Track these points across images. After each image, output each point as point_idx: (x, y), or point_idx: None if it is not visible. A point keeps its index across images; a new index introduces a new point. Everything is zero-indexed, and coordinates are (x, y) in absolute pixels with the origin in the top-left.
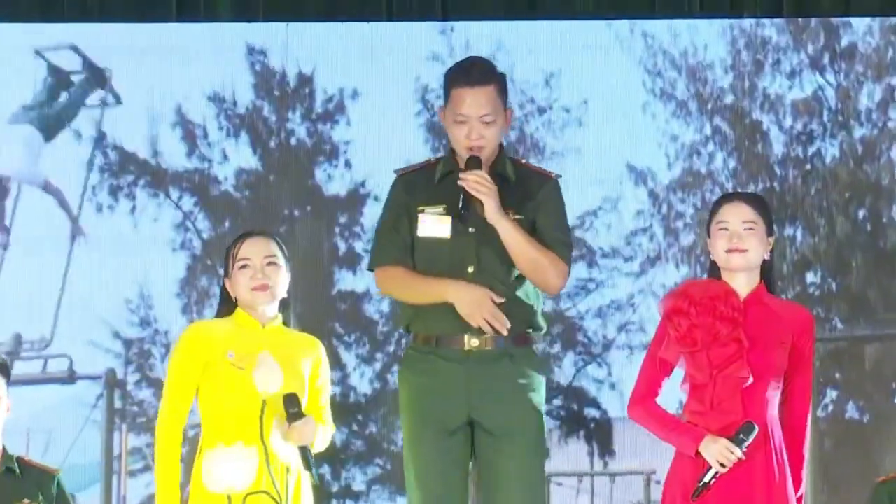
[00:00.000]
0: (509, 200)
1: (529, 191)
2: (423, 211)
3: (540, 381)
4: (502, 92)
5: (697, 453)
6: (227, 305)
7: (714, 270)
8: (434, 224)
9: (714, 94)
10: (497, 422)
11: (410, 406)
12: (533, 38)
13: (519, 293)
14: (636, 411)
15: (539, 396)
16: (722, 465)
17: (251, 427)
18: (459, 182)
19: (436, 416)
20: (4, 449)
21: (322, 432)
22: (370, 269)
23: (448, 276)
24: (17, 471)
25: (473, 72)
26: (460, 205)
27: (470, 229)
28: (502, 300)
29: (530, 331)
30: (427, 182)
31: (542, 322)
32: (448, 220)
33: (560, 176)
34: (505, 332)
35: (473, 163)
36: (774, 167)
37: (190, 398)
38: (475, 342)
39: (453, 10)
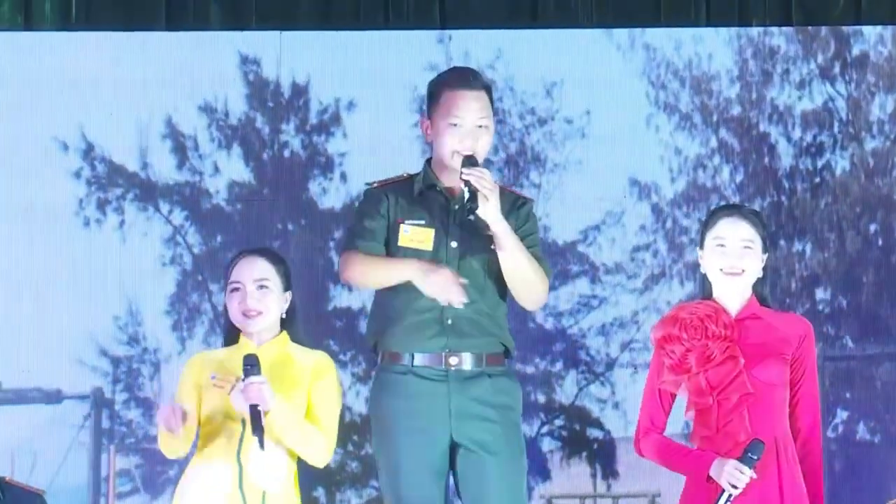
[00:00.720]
0: None
1: (509, 209)
2: (403, 222)
3: (518, 399)
4: (492, 100)
5: (709, 478)
6: (230, 324)
7: (705, 283)
8: (416, 236)
9: (720, 105)
10: (480, 441)
11: (390, 433)
12: (534, 47)
13: (496, 310)
14: (643, 447)
15: (518, 415)
16: (734, 487)
17: (230, 446)
18: (463, 176)
19: (420, 440)
20: None
21: (315, 434)
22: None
23: None
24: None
25: (472, 77)
26: (466, 197)
27: (452, 243)
28: (465, 281)
29: (502, 350)
30: (406, 194)
31: (511, 341)
32: (430, 232)
33: (532, 200)
34: (464, 300)
35: (470, 161)
36: (782, 180)
37: (193, 424)
38: (454, 360)
39: (452, 18)
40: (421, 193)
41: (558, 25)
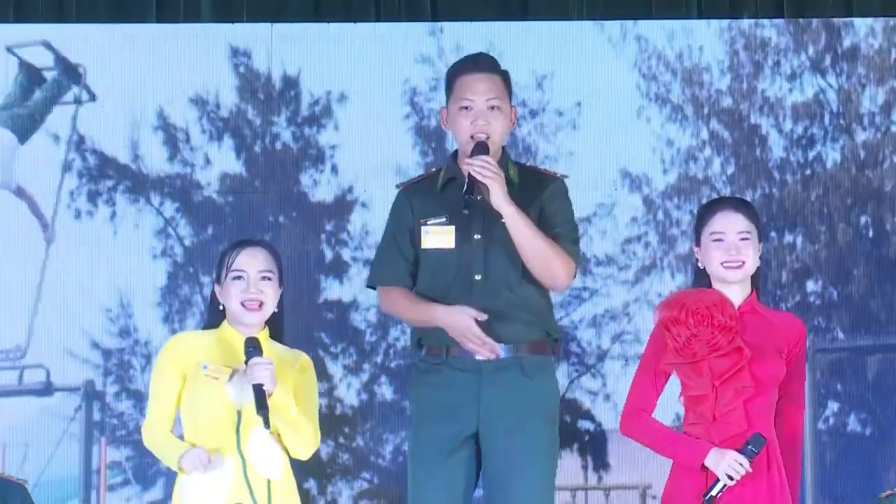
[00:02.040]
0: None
1: (533, 192)
2: (425, 223)
3: (550, 393)
4: (507, 86)
5: (703, 466)
6: (215, 313)
7: (701, 278)
8: (437, 235)
9: (711, 97)
10: (503, 435)
11: (420, 421)
12: (525, 39)
13: (529, 299)
14: (631, 426)
15: (548, 409)
16: (730, 478)
17: (228, 438)
18: (464, 166)
19: (444, 430)
20: None
21: (304, 423)
22: (369, 286)
23: (456, 285)
24: None
25: (481, 59)
26: (465, 189)
27: (475, 236)
28: (485, 317)
29: (544, 338)
30: (429, 193)
31: (555, 329)
32: (451, 230)
33: (566, 176)
34: (493, 356)
35: (480, 148)
36: (773, 172)
37: (173, 410)
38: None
39: (443, 10)
40: (444, 188)
41: (549, 17)
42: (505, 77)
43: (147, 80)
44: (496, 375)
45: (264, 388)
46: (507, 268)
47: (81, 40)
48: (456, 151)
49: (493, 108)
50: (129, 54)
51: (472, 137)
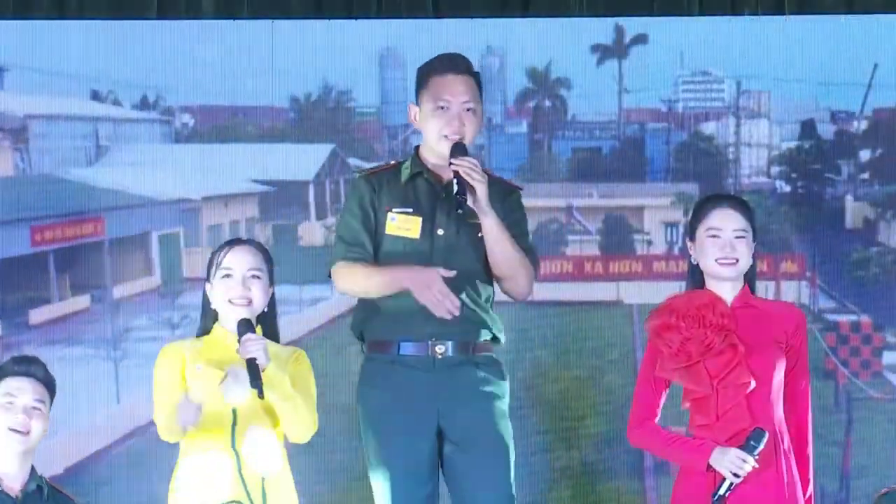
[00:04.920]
0: None
1: (498, 200)
2: (391, 210)
3: (505, 388)
4: (480, 88)
5: (708, 467)
6: (208, 315)
7: (695, 275)
8: (403, 224)
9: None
10: (464, 431)
11: (375, 424)
12: (525, 36)
13: (482, 300)
14: (636, 435)
15: (505, 403)
16: (736, 476)
17: (224, 437)
18: (452, 167)
19: (404, 431)
20: (33, 468)
21: (302, 403)
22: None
23: None
24: (45, 492)
25: (458, 60)
26: (455, 189)
27: (438, 230)
28: (452, 273)
29: (491, 340)
30: (393, 183)
31: (501, 331)
32: (418, 220)
33: (522, 189)
34: (456, 312)
35: (459, 149)
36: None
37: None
38: (440, 348)
39: (444, 6)
40: (408, 181)
41: (550, 14)
42: (478, 79)
43: (147, 74)
44: (452, 373)
45: (257, 361)
46: (466, 266)
47: (82, 37)
48: (418, 147)
49: (468, 110)
50: (128, 48)
51: (445, 137)
